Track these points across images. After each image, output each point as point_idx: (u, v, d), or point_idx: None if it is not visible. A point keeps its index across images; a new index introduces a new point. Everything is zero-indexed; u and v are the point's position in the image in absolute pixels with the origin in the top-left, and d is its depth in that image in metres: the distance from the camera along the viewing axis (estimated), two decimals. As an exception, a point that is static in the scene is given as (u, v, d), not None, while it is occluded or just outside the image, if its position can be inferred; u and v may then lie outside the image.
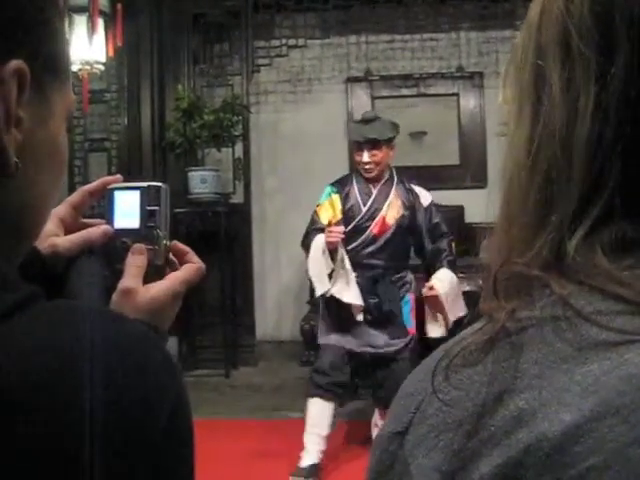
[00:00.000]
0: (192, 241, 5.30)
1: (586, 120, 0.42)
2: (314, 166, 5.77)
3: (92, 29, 4.13)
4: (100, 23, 4.22)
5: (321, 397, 3.42)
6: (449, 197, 5.89)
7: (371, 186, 3.62)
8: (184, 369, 5.39)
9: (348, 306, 3.41)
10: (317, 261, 3.40)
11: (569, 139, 0.42)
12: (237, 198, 5.93)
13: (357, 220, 3.57)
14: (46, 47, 0.49)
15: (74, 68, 4.14)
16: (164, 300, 0.68)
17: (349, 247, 3.51)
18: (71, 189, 5.81)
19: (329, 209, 3.58)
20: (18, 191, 0.48)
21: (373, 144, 3.51)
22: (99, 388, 0.40)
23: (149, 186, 0.75)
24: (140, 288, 0.67)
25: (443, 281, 3.44)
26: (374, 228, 3.57)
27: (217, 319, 5.64)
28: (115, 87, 5.91)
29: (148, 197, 0.74)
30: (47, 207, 0.53)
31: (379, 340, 3.45)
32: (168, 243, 0.74)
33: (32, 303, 0.43)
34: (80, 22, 4.13)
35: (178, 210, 5.30)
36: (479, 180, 5.83)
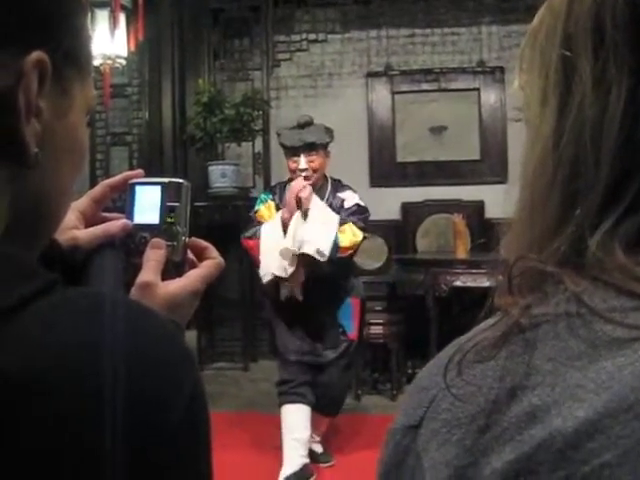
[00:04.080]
0: (212, 235, 5.31)
1: (618, 114, 0.41)
2: (333, 161, 5.76)
3: (114, 24, 4.16)
4: (122, 18, 4.25)
5: (290, 402, 3.33)
6: (469, 192, 5.88)
7: None
8: (203, 362, 5.42)
9: (289, 316, 3.33)
10: (271, 252, 3.19)
11: (599, 133, 0.41)
12: (257, 192, 5.94)
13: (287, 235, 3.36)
14: (67, 40, 0.49)
15: (96, 62, 4.17)
16: (183, 297, 0.68)
17: None
18: (93, 183, 5.85)
19: (266, 213, 3.41)
20: (37, 182, 0.48)
21: (311, 149, 3.30)
22: (118, 377, 0.40)
23: (170, 182, 0.74)
24: (159, 282, 0.67)
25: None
26: None
27: (236, 312, 5.66)
28: (136, 81, 5.95)
29: (169, 193, 0.74)
30: (66, 199, 0.53)
31: (316, 349, 3.36)
32: (187, 240, 0.73)
33: (52, 291, 0.43)
34: (102, 17, 4.16)
35: (198, 204, 5.32)
36: (500, 175, 5.79)
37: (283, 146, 3.42)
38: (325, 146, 3.38)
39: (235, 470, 3.30)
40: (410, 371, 4.64)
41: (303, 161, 3.30)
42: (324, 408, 3.47)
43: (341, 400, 3.55)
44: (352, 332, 3.42)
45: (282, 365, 3.41)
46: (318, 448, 3.57)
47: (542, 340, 0.40)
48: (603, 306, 0.39)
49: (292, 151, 3.34)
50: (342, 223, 3.25)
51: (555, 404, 0.37)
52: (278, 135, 3.48)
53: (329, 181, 3.48)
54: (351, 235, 3.25)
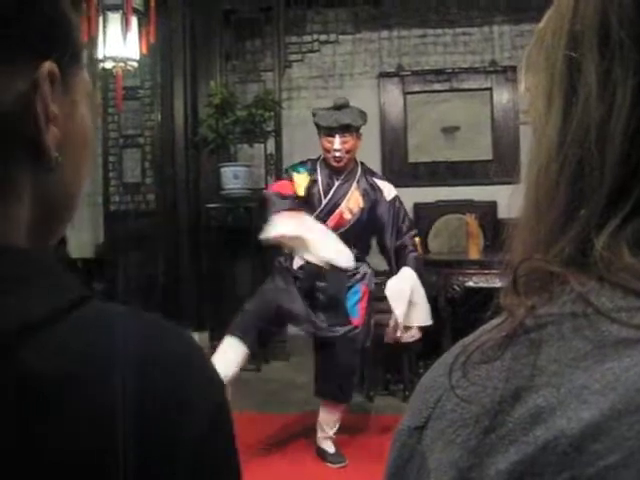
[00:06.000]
0: (224, 236, 5.34)
1: (623, 114, 0.40)
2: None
3: (126, 27, 4.18)
4: (134, 21, 4.27)
5: (236, 337, 3.44)
6: (482, 193, 5.86)
7: (334, 177, 3.58)
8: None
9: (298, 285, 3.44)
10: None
11: (604, 133, 0.41)
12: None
13: (317, 212, 3.53)
14: (71, 43, 0.50)
15: (108, 65, 4.20)
16: None
17: None
18: (105, 184, 5.89)
19: (301, 182, 3.55)
20: (57, 183, 0.50)
21: (345, 130, 3.46)
22: (148, 381, 0.42)
23: None
24: None
25: (400, 280, 3.43)
26: (330, 222, 3.52)
27: (249, 314, 5.66)
28: (149, 84, 5.97)
29: None
30: (80, 193, 0.55)
31: (321, 322, 3.43)
32: None
33: (85, 303, 0.45)
34: (114, 20, 4.18)
35: (210, 206, 5.34)
36: (512, 175, 5.76)
37: (318, 126, 3.58)
38: (358, 129, 3.53)
39: (248, 471, 3.30)
40: (422, 371, 4.62)
41: (337, 142, 3.47)
42: (330, 392, 3.47)
43: (348, 385, 3.52)
44: (356, 318, 3.46)
45: (260, 300, 3.52)
46: (330, 448, 3.56)
47: (547, 341, 0.40)
48: (610, 306, 0.39)
49: (327, 131, 3.51)
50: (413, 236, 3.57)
51: (560, 405, 0.37)
52: (314, 115, 3.63)
53: (359, 165, 3.65)
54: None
